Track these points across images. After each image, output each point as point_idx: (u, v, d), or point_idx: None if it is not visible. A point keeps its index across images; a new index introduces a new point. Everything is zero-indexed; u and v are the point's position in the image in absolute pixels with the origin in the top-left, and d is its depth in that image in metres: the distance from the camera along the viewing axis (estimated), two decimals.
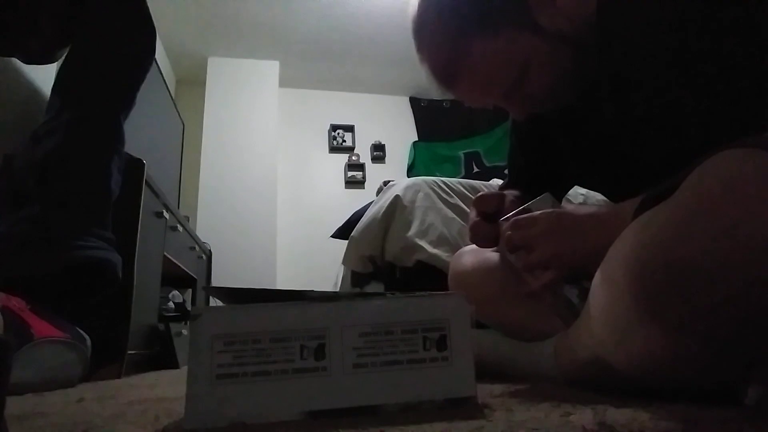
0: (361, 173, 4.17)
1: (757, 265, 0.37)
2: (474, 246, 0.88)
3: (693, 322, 0.40)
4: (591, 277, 0.53)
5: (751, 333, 0.39)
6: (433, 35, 0.67)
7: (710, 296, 0.38)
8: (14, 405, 0.59)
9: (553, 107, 0.73)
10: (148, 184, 1.35)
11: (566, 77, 0.67)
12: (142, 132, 1.76)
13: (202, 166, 3.49)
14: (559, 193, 0.76)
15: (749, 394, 0.44)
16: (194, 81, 3.87)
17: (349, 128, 4.28)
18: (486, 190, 1.95)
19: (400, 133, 4.31)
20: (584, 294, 0.62)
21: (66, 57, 1.08)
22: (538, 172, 0.89)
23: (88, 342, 0.91)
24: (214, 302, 0.57)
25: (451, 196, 1.85)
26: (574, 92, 0.69)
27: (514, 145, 0.93)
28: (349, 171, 4.14)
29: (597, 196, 1.16)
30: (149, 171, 1.35)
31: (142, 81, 1.13)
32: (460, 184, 1.93)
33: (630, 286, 0.43)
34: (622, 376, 0.48)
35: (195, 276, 2.24)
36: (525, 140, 0.90)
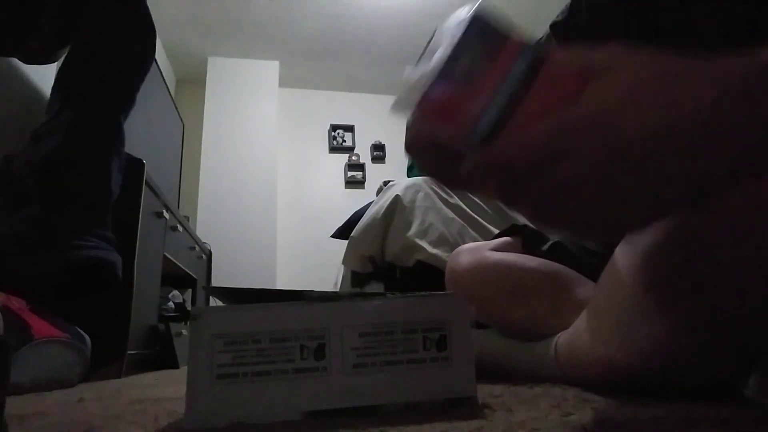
0: (361, 173, 4.17)
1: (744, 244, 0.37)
2: (471, 245, 0.90)
3: (698, 314, 0.40)
4: None
5: (754, 322, 0.39)
6: None
7: (715, 287, 0.38)
8: (14, 405, 0.59)
9: None
10: (148, 184, 1.35)
11: None
12: (142, 132, 1.76)
13: (202, 166, 3.49)
14: None
15: (749, 384, 0.44)
16: (194, 81, 3.88)
17: (349, 128, 4.28)
18: None
19: (400, 133, 4.27)
20: None
21: (66, 57, 1.08)
22: None
23: (88, 342, 0.91)
24: (214, 302, 0.57)
25: (451, 197, 1.85)
26: None
27: None
28: (349, 171, 4.14)
29: None
30: (149, 171, 1.35)
31: (143, 81, 1.13)
32: None
33: (635, 278, 0.44)
34: (624, 375, 0.49)
35: (195, 276, 2.24)
36: None
